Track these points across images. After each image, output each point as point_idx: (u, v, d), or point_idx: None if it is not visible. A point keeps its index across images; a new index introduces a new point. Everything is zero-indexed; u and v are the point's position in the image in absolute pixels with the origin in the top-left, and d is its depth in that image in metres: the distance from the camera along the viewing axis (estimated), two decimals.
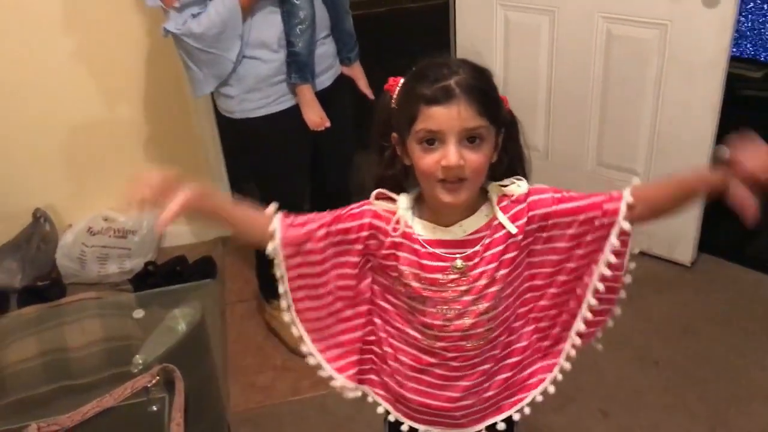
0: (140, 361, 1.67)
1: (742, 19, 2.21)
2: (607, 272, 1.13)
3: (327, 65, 2.02)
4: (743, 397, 2.00)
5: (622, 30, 2.26)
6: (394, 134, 1.14)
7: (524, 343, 1.22)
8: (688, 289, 2.42)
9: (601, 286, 1.14)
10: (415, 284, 1.13)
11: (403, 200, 1.15)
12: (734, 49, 2.23)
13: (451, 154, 1.03)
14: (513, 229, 1.11)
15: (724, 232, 2.58)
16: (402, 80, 1.12)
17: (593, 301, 1.16)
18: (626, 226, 1.11)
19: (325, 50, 2.01)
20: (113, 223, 2.63)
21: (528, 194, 1.12)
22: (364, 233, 1.14)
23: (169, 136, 2.66)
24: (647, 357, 2.16)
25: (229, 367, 2.23)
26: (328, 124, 1.96)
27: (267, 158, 2.06)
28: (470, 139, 1.04)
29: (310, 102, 1.94)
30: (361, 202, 1.16)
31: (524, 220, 1.11)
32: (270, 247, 1.14)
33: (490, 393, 1.23)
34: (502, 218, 1.11)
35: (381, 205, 1.15)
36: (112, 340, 1.97)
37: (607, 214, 1.12)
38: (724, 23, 2.07)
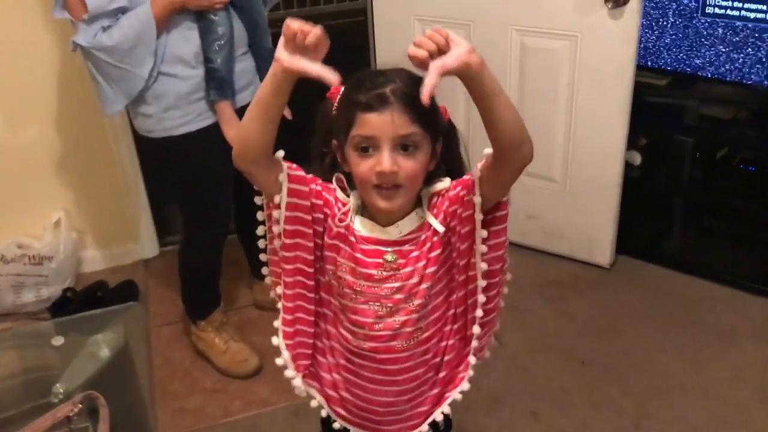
0: (61, 390, 1.61)
1: (647, 30, 2.33)
2: (483, 248, 1.11)
3: (247, 81, 2.00)
4: (664, 389, 2.08)
5: (535, 42, 2.34)
6: (334, 141, 1.15)
7: (448, 343, 1.23)
8: (608, 289, 2.51)
9: (483, 266, 1.13)
10: (349, 278, 1.15)
11: (354, 196, 1.16)
12: (641, 59, 2.34)
13: (384, 160, 1.06)
14: (439, 228, 1.13)
15: (640, 233, 2.71)
16: (342, 88, 1.13)
17: (482, 282, 1.14)
18: (477, 200, 1.09)
19: (244, 66, 1.99)
20: (28, 249, 2.52)
21: (448, 189, 1.14)
22: (321, 208, 1.14)
23: (85, 157, 2.58)
24: (573, 357, 2.22)
25: (156, 392, 2.17)
26: None
27: (190, 177, 2.02)
28: (404, 146, 1.07)
29: (229, 119, 1.92)
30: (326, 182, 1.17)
31: (441, 215, 1.14)
32: (281, 176, 1.10)
33: (423, 408, 1.25)
34: (430, 218, 1.14)
35: (338, 193, 1.17)
36: (30, 371, 1.89)
37: (470, 189, 1.10)
38: (629, 34, 2.17)
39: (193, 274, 2.21)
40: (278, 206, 1.12)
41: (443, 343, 1.22)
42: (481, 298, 1.15)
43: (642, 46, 2.33)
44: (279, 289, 1.21)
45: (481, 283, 1.14)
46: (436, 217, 1.14)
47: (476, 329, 1.18)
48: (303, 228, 1.14)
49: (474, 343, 1.20)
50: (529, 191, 2.58)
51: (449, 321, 1.21)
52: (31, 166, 2.54)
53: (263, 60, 2.04)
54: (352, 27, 3.31)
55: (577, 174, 2.47)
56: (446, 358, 1.23)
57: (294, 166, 1.13)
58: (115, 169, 2.62)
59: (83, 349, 1.71)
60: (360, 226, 1.16)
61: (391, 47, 2.61)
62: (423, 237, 1.15)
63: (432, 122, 1.09)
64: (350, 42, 2.92)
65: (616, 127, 2.32)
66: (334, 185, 1.17)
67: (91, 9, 1.73)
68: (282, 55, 0.98)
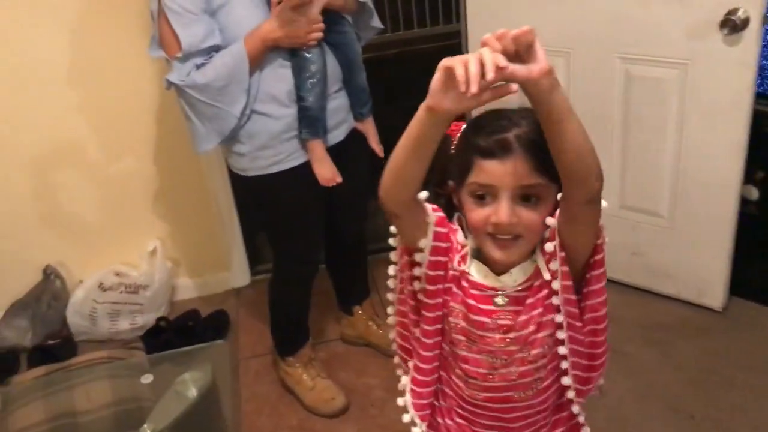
0: (148, 430, 1.61)
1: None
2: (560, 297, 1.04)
3: (340, 119, 1.97)
4: None
5: (641, 70, 2.20)
6: (450, 182, 1.09)
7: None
8: (720, 335, 2.31)
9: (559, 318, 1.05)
10: (462, 323, 1.08)
11: (470, 239, 1.09)
12: (759, 87, 2.16)
13: (502, 211, 0.99)
14: (546, 275, 1.05)
15: (757, 274, 2.49)
16: (463, 126, 1.08)
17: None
18: (549, 247, 1.02)
19: (338, 104, 1.95)
20: (125, 278, 2.58)
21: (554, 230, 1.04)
22: (446, 251, 1.08)
23: (180, 189, 2.63)
24: (681, 409, 2.05)
25: (242, 428, 2.15)
26: (339, 179, 1.90)
27: (281, 214, 2.01)
28: (525, 197, 1.00)
29: (321, 158, 1.89)
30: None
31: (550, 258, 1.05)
32: (428, 218, 1.04)
33: None
34: (540, 263, 1.05)
35: (459, 235, 1.10)
36: (121, 403, 1.91)
37: (552, 238, 1.02)
38: (746, 61, 2.00)
39: (282, 309, 2.20)
40: (421, 250, 1.05)
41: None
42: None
43: (762, 73, 2.16)
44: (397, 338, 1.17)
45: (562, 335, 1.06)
46: (548, 261, 1.05)
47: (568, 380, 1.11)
48: (442, 272, 1.08)
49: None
50: (633, 227, 2.43)
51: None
52: (128, 197, 2.61)
53: (357, 98, 2.00)
54: (446, 51, 3.24)
55: (687, 209, 2.30)
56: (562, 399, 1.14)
57: (435, 206, 1.07)
58: (209, 199, 2.66)
59: (171, 388, 1.71)
60: (474, 271, 1.08)
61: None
62: (537, 283, 1.06)
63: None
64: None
65: (731, 161, 2.15)
66: (455, 225, 1.10)
67: (185, 47, 1.73)
68: (434, 93, 0.88)
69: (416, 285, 1.10)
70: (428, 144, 0.92)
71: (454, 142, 1.07)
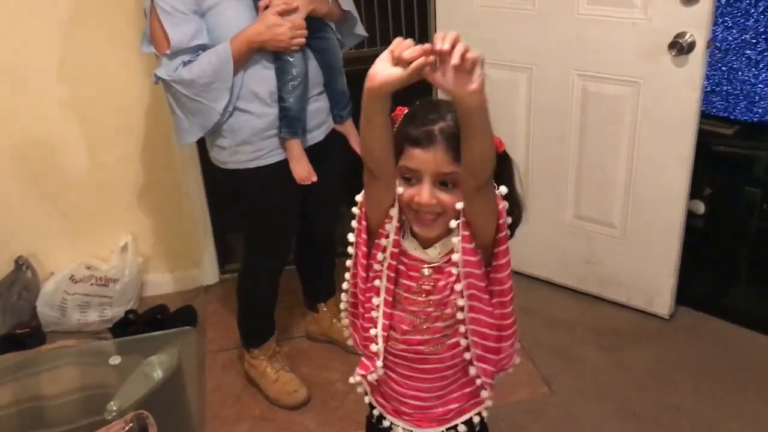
0: (114, 408, 1.67)
1: (714, 77, 2.31)
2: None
3: (319, 121, 2.06)
4: None
5: (597, 87, 2.34)
6: None
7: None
8: (666, 341, 2.44)
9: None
10: (390, 286, 1.23)
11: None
12: (705, 107, 2.31)
13: (424, 193, 1.14)
14: (456, 257, 1.17)
15: (702, 284, 2.63)
16: (405, 112, 1.22)
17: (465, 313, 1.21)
18: (453, 224, 1.16)
19: (318, 107, 2.05)
20: (96, 271, 2.64)
21: None
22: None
23: (155, 187, 2.70)
24: (626, 408, 2.16)
25: (206, 416, 2.21)
26: (314, 178, 1.99)
27: (256, 208, 2.09)
28: (443, 182, 1.15)
29: (298, 156, 1.98)
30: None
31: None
32: (393, 211, 1.19)
33: (453, 405, 1.32)
34: (455, 240, 1.18)
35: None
36: (88, 388, 1.96)
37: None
38: (693, 82, 2.14)
39: (250, 300, 2.27)
40: (391, 218, 1.19)
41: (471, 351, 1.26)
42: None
43: (708, 93, 2.30)
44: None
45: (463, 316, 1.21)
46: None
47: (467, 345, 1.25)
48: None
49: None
50: (587, 236, 2.55)
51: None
52: (103, 192, 2.67)
53: (337, 101, 2.10)
54: None
55: (638, 221, 2.43)
56: (476, 362, 1.26)
57: None
58: (182, 198, 2.73)
59: (138, 369, 1.77)
60: (407, 244, 1.23)
61: None
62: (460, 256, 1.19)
63: None
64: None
65: (679, 175, 2.28)
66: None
67: (173, 44, 1.82)
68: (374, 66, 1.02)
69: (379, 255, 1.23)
70: (375, 116, 1.06)
71: (395, 126, 1.19)
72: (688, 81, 2.15)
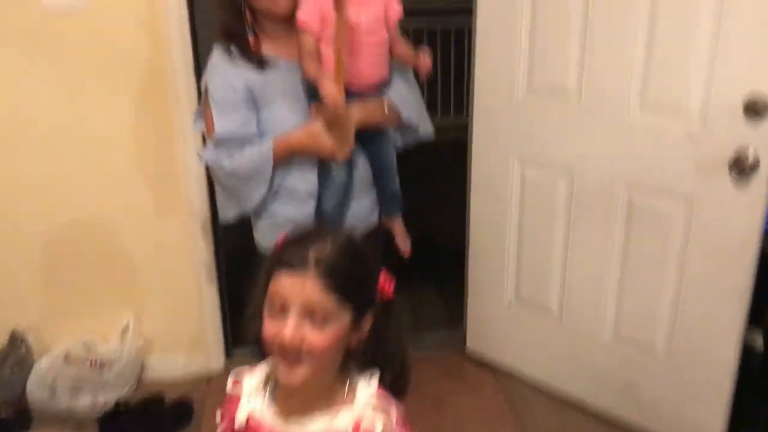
0: None
1: None
2: None
3: (360, 218, 1.94)
4: None
5: (645, 199, 2.10)
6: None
7: None
8: None
9: None
10: None
11: (250, 382, 1.09)
12: None
13: (287, 326, 0.99)
14: None
15: (757, 428, 2.32)
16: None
17: None
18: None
19: (361, 205, 1.94)
20: (92, 352, 2.49)
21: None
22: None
23: (163, 261, 2.55)
24: None
25: None
26: None
27: None
28: (312, 315, 0.99)
29: None
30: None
31: None
32: None
33: None
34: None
35: (232, 390, 1.10)
36: None
37: None
38: (755, 205, 1.89)
39: None
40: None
41: None
42: None
43: None
44: None
45: None
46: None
47: None
48: None
49: None
50: (627, 358, 2.29)
51: None
52: (108, 264, 2.53)
53: (387, 200, 1.98)
54: (455, 143, 3.15)
55: (684, 348, 2.16)
56: None
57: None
58: (190, 277, 2.58)
59: None
60: (271, 419, 1.05)
61: (488, 178, 2.45)
62: None
63: (356, 293, 1.01)
64: (447, 158, 2.73)
65: (733, 307, 2.02)
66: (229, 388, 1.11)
67: (218, 134, 1.78)
68: None
69: None
70: None
71: None
72: (749, 204, 1.91)
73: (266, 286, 1.02)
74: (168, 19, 2.26)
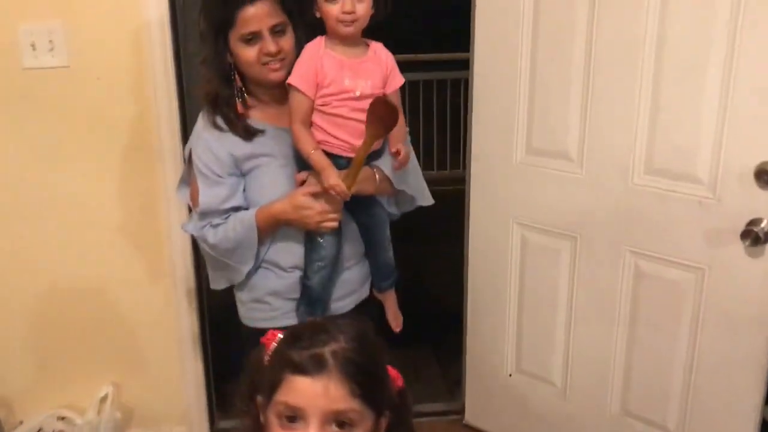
0: None
1: None
2: None
3: (349, 290, 1.84)
4: None
5: (653, 268, 1.99)
6: (259, 398, 0.96)
7: None
8: None
9: None
10: None
11: None
12: None
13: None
14: None
15: None
16: (279, 336, 0.97)
17: None
18: None
19: (351, 276, 1.83)
20: (67, 425, 2.34)
21: None
22: None
23: (146, 328, 2.42)
24: None
25: None
26: None
27: None
28: (339, 423, 0.90)
29: None
30: None
31: None
32: None
33: None
34: None
35: None
36: None
37: None
38: None
39: None
40: None
41: None
42: None
43: None
44: None
45: None
46: None
47: None
48: None
49: None
50: None
51: None
52: (89, 334, 2.40)
53: (378, 273, 1.87)
54: (451, 195, 3.05)
55: (698, 426, 2.02)
56: None
57: None
58: (174, 347, 2.44)
59: None
60: None
61: (486, 244, 2.35)
62: None
63: (377, 394, 0.91)
64: (445, 212, 2.62)
65: (750, 381, 1.89)
66: None
67: (202, 207, 1.71)
68: None
69: None
70: None
71: (268, 354, 0.95)
72: (764, 274, 1.80)
73: (270, 394, 0.91)
74: (154, 77, 2.17)
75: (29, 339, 2.39)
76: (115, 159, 2.24)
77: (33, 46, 2.06)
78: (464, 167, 2.40)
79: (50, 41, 2.06)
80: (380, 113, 1.57)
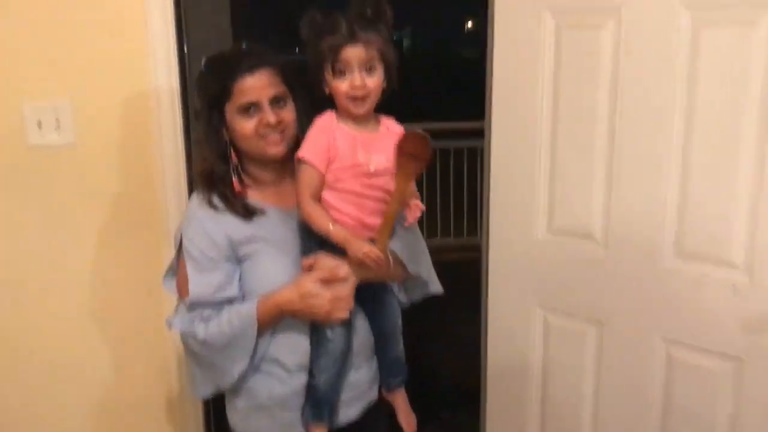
0: None
1: None
2: None
3: (356, 394, 1.67)
4: None
5: (686, 357, 1.86)
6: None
7: None
8: None
9: None
10: None
11: None
12: None
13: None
14: None
15: None
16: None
17: None
18: None
19: (359, 377, 1.67)
20: None
21: None
22: None
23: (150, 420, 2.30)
24: None
25: None
26: None
27: None
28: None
29: None
30: None
31: None
32: None
33: None
34: None
35: None
36: None
37: None
38: None
39: None
40: None
41: None
42: None
43: None
44: None
45: None
46: None
47: None
48: None
49: None
50: None
51: None
52: (75, 406, 2.28)
53: (389, 368, 1.70)
54: (468, 262, 2.93)
55: None
56: None
57: None
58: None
59: None
60: None
61: (507, 330, 2.22)
62: None
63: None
64: (465, 280, 2.51)
65: None
66: None
67: (192, 296, 1.53)
68: None
69: None
70: None
71: None
72: None
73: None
74: (162, 154, 2.12)
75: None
76: (122, 238, 2.17)
77: (39, 124, 2.01)
78: (480, 235, 2.29)
79: (56, 119, 2.01)
80: (410, 150, 1.44)
